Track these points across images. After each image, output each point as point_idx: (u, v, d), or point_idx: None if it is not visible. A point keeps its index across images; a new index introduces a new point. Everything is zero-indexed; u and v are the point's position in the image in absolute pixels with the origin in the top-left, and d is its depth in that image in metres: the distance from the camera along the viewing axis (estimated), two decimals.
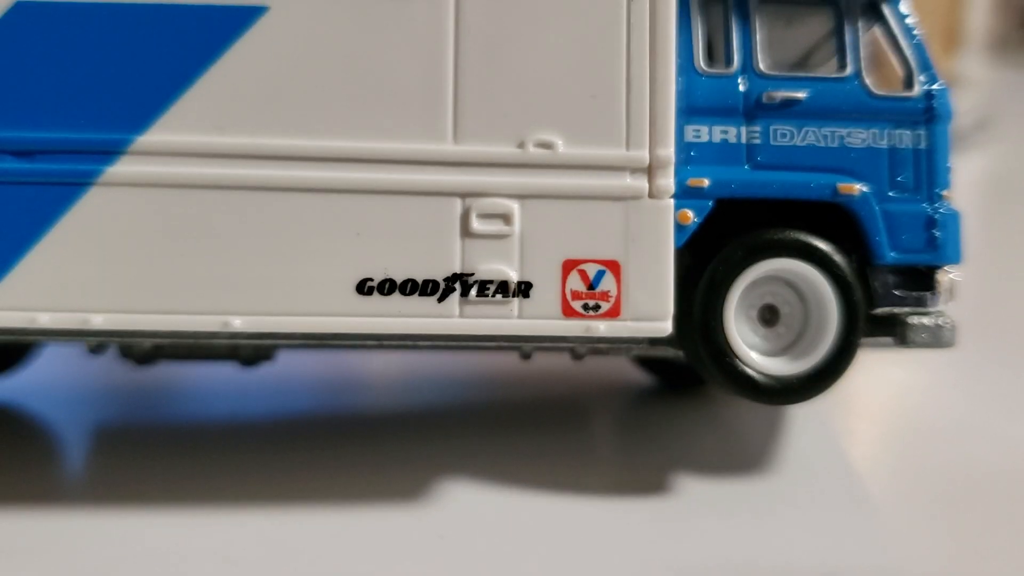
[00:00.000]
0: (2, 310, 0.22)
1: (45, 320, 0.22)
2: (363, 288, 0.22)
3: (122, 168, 0.22)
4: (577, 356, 0.26)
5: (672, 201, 0.23)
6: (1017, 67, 1.11)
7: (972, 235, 0.31)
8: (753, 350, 0.24)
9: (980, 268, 0.34)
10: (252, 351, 0.25)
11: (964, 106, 0.68)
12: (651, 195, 0.23)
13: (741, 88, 0.24)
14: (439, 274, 0.22)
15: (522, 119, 0.22)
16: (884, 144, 0.25)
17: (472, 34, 0.22)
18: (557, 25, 0.22)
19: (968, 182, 0.58)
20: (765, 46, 0.25)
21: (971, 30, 0.81)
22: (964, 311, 0.27)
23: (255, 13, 0.22)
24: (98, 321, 0.22)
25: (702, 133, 0.24)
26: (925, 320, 0.24)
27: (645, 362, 0.30)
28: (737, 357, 0.24)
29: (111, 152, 0.22)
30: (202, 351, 0.25)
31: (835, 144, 0.25)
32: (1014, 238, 0.54)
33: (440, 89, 0.22)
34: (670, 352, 0.25)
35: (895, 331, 0.24)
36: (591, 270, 0.23)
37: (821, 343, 0.24)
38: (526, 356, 0.26)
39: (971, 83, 0.76)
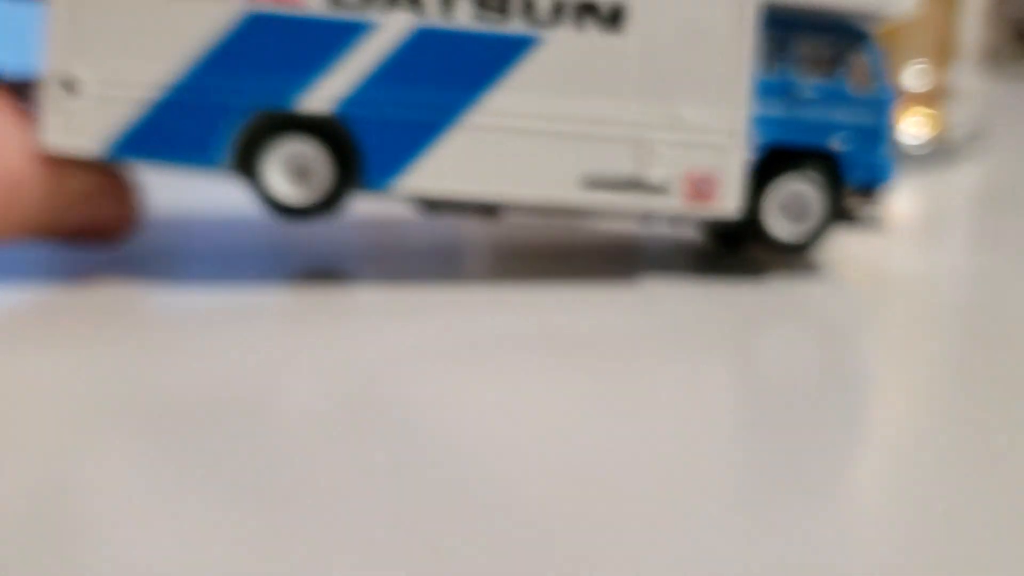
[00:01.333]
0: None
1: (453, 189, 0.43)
2: (587, 183, 0.44)
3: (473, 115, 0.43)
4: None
5: (745, 143, 0.44)
6: (1010, 79, 1.24)
7: (967, 245, 0.44)
8: (782, 232, 0.46)
9: (975, 277, 0.49)
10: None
11: (958, 118, 0.77)
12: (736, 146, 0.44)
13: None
14: (628, 172, 0.44)
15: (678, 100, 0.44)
16: (855, 120, 0.46)
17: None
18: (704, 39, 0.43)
19: (962, 193, 0.66)
20: (793, 60, 0.46)
21: (965, 43, 0.81)
22: (960, 319, 0.42)
23: (529, 42, 0.43)
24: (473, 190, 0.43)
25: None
26: (866, 211, 0.45)
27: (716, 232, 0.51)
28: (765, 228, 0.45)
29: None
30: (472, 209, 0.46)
31: (831, 119, 0.46)
32: (1007, 248, 0.55)
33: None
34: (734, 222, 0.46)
35: (851, 217, 0.45)
36: (702, 179, 0.44)
37: (818, 214, 0.45)
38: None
39: (965, 95, 0.78)
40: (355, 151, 0.42)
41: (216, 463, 0.28)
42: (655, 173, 0.43)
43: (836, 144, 0.45)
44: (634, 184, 0.43)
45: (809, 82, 0.45)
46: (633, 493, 0.27)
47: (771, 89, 0.44)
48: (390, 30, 0.41)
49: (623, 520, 0.26)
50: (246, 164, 0.42)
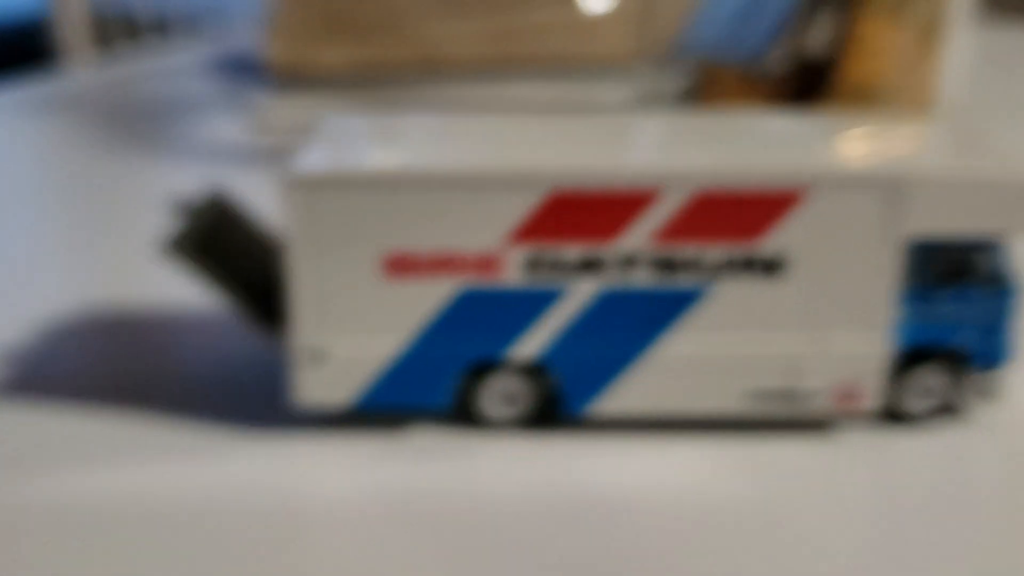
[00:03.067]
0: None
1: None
2: (749, 396, 0.51)
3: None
4: None
5: (887, 353, 0.51)
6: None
7: None
8: (916, 408, 0.53)
9: None
10: None
11: None
12: (878, 358, 0.51)
13: None
14: (784, 386, 0.51)
15: (829, 327, 0.50)
16: (981, 316, 0.52)
17: None
18: None
19: None
20: (929, 274, 0.51)
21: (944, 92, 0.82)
22: None
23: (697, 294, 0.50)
24: None
25: None
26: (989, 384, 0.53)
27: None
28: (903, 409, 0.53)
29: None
30: None
31: (960, 318, 0.52)
32: None
33: None
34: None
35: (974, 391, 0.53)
36: (848, 386, 0.51)
37: (944, 393, 0.53)
38: None
39: None
40: (555, 388, 0.50)
41: None
42: (807, 385, 0.50)
43: (963, 339, 0.51)
44: (789, 394, 0.51)
45: (942, 290, 0.51)
46: None
47: (909, 300, 0.50)
48: (579, 294, 0.49)
49: None
50: (465, 400, 0.51)
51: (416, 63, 1.26)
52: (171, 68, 1.37)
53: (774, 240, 0.48)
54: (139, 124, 1.13)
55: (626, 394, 0.50)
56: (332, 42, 1.22)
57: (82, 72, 1.39)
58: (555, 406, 0.51)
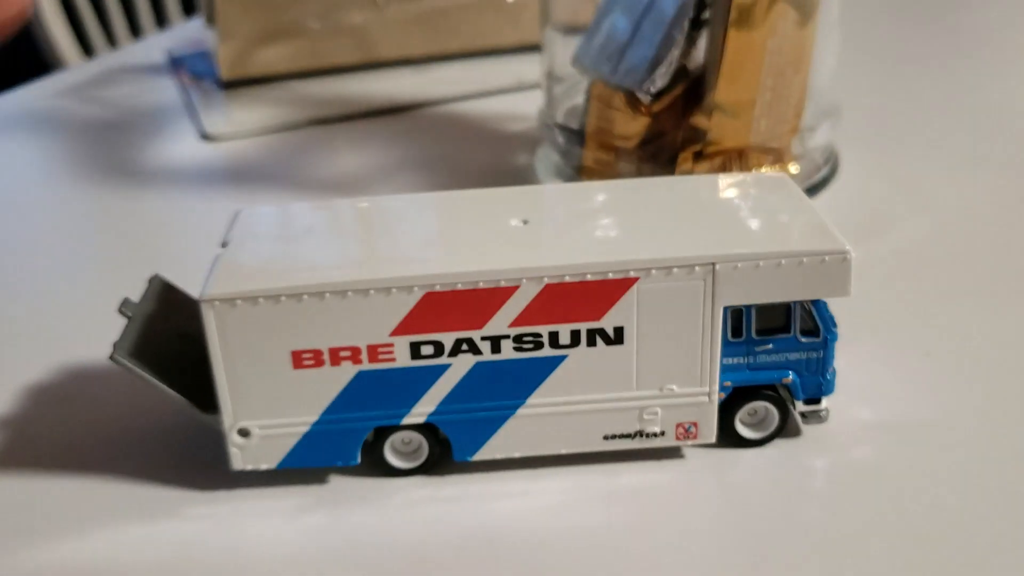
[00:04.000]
0: None
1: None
2: (606, 437, 0.62)
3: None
4: None
5: (717, 396, 0.61)
6: None
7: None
8: (751, 435, 0.64)
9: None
10: None
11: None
12: (710, 401, 0.61)
13: None
14: (634, 429, 0.62)
15: (668, 380, 0.61)
16: (805, 357, 0.62)
17: None
18: None
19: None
20: (754, 328, 0.61)
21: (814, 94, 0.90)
22: None
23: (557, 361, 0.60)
24: None
25: None
26: (813, 411, 0.63)
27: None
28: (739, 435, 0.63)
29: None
30: None
31: (785, 361, 0.62)
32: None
33: None
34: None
35: (803, 416, 0.64)
36: (688, 424, 0.62)
37: (775, 422, 0.64)
38: None
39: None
40: (445, 440, 0.61)
41: None
42: (654, 427, 0.61)
43: (787, 379, 0.62)
44: (639, 434, 0.61)
45: (764, 340, 0.61)
46: None
47: (735, 350, 0.61)
48: (459, 367, 0.59)
49: None
50: (371, 454, 0.61)
51: (353, 55, 1.33)
52: (129, 69, 1.43)
53: (615, 315, 0.58)
54: (94, 141, 1.20)
55: (504, 442, 0.61)
56: (275, 43, 1.29)
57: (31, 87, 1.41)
58: (446, 455, 0.61)
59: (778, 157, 0.91)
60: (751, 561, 0.55)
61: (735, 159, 0.89)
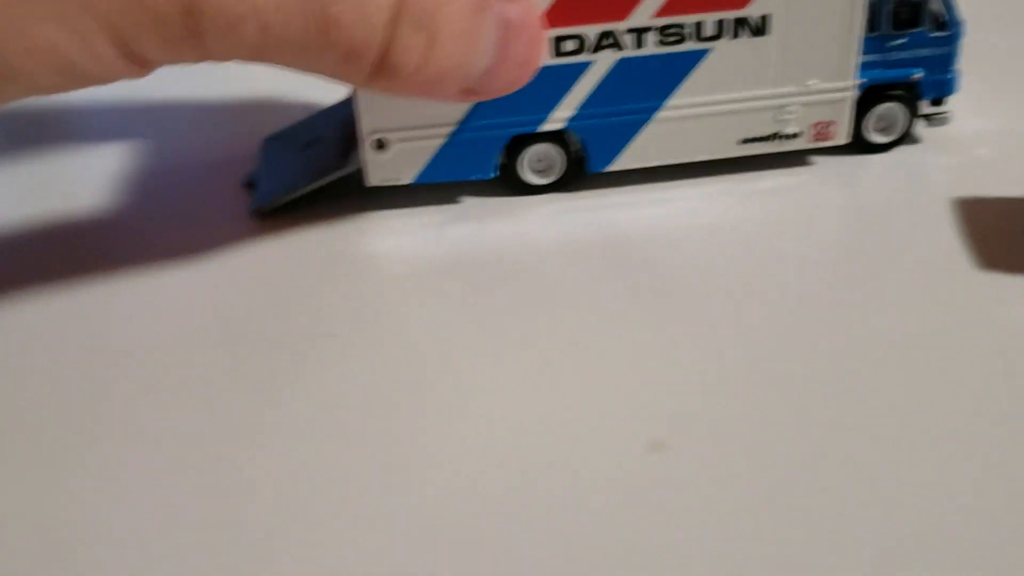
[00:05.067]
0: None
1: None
2: (743, 141, 0.61)
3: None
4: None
5: (854, 93, 0.60)
6: None
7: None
8: (879, 139, 0.63)
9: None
10: None
11: None
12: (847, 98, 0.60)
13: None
14: (771, 131, 0.61)
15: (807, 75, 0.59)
16: (932, 53, 0.62)
17: None
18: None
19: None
20: (888, 22, 0.60)
21: None
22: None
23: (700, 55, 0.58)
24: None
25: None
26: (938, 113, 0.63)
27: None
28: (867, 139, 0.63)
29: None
30: None
31: (915, 56, 0.61)
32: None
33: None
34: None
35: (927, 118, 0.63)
36: (823, 124, 0.61)
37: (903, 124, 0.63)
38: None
39: None
40: (581, 149, 0.59)
41: None
42: (790, 128, 0.60)
43: (917, 75, 0.61)
44: (774, 136, 0.60)
45: (899, 34, 0.60)
46: None
47: (871, 45, 0.60)
48: (600, 64, 0.57)
49: None
50: (505, 172, 0.59)
51: None
52: None
53: (761, 1, 0.56)
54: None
55: (640, 150, 0.59)
56: None
57: None
58: (582, 167, 0.60)
59: None
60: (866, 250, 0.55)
61: None
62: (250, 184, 0.62)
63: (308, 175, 0.60)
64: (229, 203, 0.61)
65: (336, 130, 0.63)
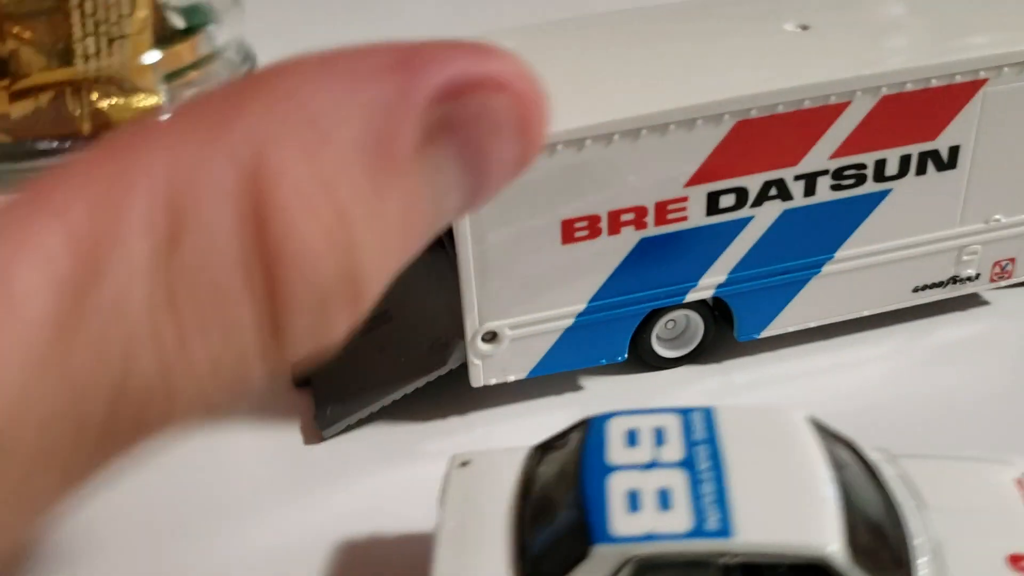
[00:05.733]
0: None
1: None
2: (916, 290, 0.50)
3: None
4: None
5: None
6: None
7: None
8: None
9: None
10: None
11: None
12: None
13: None
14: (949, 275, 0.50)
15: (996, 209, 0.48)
16: None
17: None
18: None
19: None
20: None
21: None
22: None
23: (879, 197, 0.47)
24: None
25: None
26: None
27: None
28: None
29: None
30: None
31: None
32: None
33: None
34: None
35: None
36: (1006, 260, 0.50)
37: None
38: None
39: None
40: (729, 315, 0.47)
41: None
42: (970, 269, 0.49)
43: None
44: (952, 281, 0.50)
45: None
46: None
47: None
48: (761, 219, 0.45)
49: None
50: (632, 347, 0.47)
51: None
52: None
53: (952, 132, 0.45)
54: None
55: (799, 310, 0.48)
56: None
57: None
58: (718, 337, 0.48)
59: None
60: None
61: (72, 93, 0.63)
62: (306, 382, 0.48)
63: (383, 380, 0.46)
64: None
65: (403, 303, 0.49)
